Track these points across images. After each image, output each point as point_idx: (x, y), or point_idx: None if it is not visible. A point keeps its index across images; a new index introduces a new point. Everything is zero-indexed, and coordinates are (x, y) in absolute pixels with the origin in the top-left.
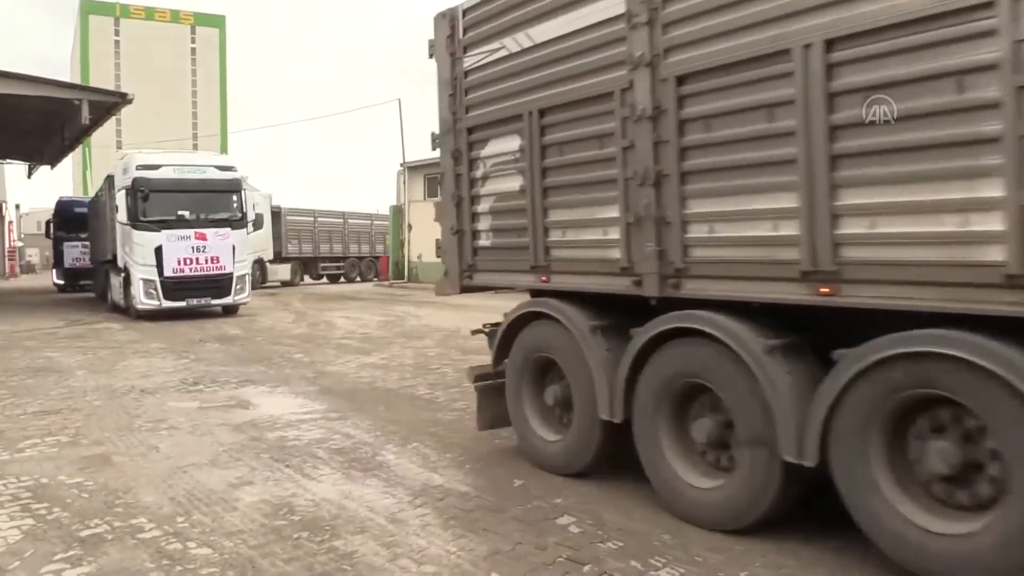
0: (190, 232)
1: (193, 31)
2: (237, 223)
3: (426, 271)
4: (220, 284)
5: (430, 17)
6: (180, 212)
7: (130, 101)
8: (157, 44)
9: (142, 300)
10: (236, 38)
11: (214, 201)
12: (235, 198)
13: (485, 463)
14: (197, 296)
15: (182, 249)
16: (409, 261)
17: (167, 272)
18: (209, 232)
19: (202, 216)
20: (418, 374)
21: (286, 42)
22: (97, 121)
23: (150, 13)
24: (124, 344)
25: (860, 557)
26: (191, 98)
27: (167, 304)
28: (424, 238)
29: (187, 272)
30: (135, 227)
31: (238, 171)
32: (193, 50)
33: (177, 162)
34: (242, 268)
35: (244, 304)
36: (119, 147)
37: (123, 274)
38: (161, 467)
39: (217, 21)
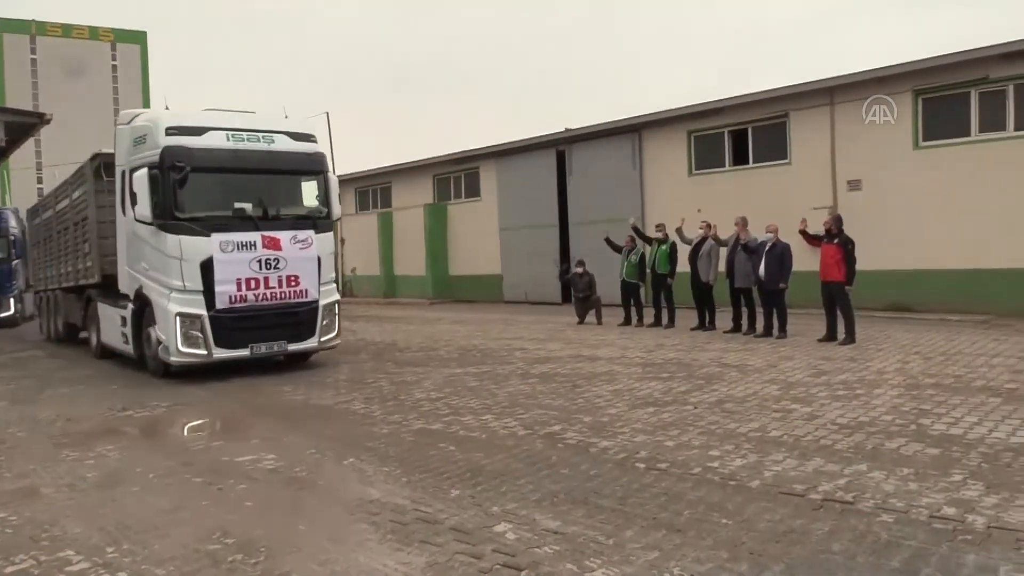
0: (255, 237)
1: (113, 48)
2: (322, 222)
3: (360, 284)
4: (301, 319)
5: (361, 35)
6: (238, 204)
7: (48, 121)
8: (76, 62)
9: (179, 348)
10: (159, 54)
11: (289, 188)
12: (318, 183)
13: (421, 475)
14: (267, 339)
15: (244, 264)
16: (343, 275)
17: (222, 302)
18: (284, 237)
19: (271, 212)
20: (353, 389)
21: (212, 57)
22: (15, 142)
23: (67, 30)
24: (52, 371)
25: (797, 550)
26: (113, 116)
27: (220, 354)
28: (358, 252)
29: (252, 301)
30: (165, 229)
31: (317, 141)
32: (114, 67)
33: (229, 124)
34: (329, 292)
35: (332, 347)
36: (39, 168)
37: (133, 306)
38: (89, 497)
39: (138, 37)
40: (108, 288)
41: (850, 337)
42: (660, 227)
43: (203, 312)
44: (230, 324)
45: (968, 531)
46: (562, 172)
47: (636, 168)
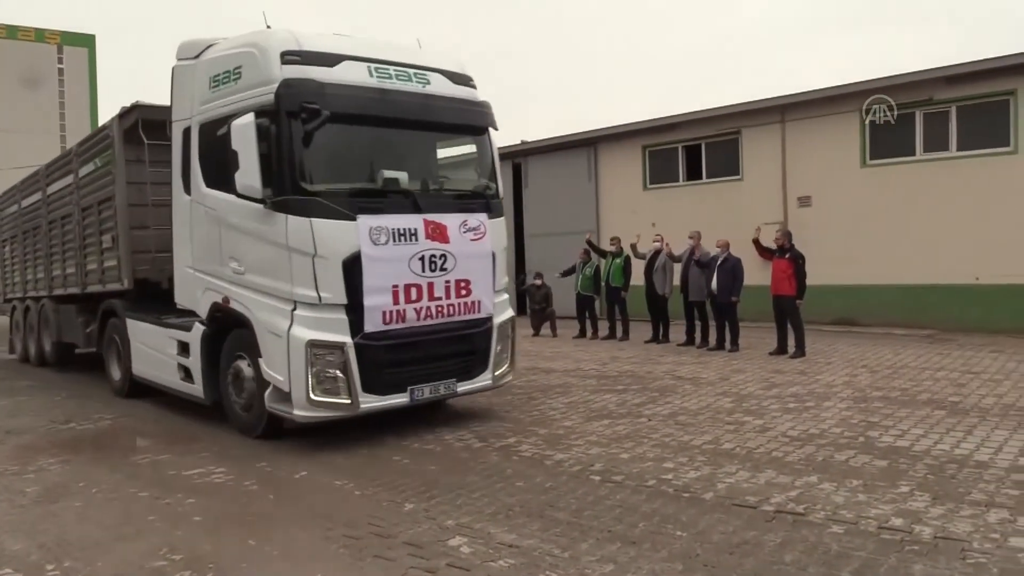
0: (417, 223)
1: (60, 51)
2: (495, 203)
3: None
4: (473, 345)
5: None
6: (388, 173)
7: None
8: (21, 64)
9: (311, 396)
10: (107, 57)
11: (451, 150)
12: (481, 146)
13: (374, 488)
14: (431, 377)
15: (403, 264)
16: None
17: (373, 322)
18: (452, 224)
19: (432, 186)
20: None
21: (161, 60)
22: None
23: (12, 32)
24: None
25: (750, 562)
26: (59, 120)
27: (369, 403)
28: None
29: (413, 320)
30: (286, 209)
31: (477, 86)
32: (60, 70)
33: (369, 53)
34: (504, 306)
35: (505, 384)
36: None
37: (206, 327)
38: (29, 512)
39: (86, 40)
40: (141, 299)
41: (800, 350)
42: (615, 240)
43: (346, 339)
44: (384, 356)
45: (915, 541)
46: (518, 184)
47: (591, 181)
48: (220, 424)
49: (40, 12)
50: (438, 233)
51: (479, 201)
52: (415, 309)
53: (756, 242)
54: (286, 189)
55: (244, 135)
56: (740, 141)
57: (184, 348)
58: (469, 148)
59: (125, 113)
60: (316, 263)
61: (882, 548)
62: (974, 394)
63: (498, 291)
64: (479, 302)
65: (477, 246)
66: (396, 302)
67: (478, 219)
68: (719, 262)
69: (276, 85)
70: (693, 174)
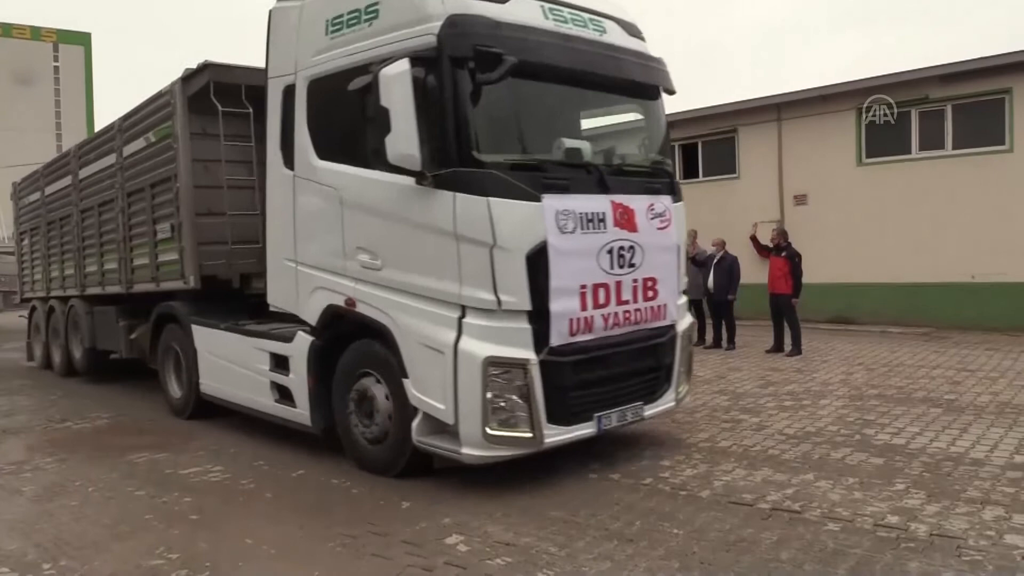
0: (604, 205)
1: (56, 49)
2: (675, 183)
3: None
4: (659, 359)
5: None
6: (570, 143)
7: None
8: (16, 62)
9: (487, 430)
10: (104, 55)
11: (630, 115)
12: (650, 112)
13: (371, 487)
14: (619, 400)
15: (591, 259)
16: None
17: (559, 333)
18: (639, 208)
19: (615, 159)
20: None
21: (157, 58)
22: None
23: (7, 30)
24: None
25: (746, 559)
26: (55, 119)
27: (555, 436)
28: None
29: (601, 329)
30: (454, 184)
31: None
32: (56, 68)
33: None
34: (683, 309)
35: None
36: None
37: (316, 337)
38: (25, 511)
39: (82, 39)
40: (210, 300)
41: (796, 348)
42: None
43: (529, 355)
44: (571, 376)
45: (911, 539)
46: None
47: None
48: (216, 422)
49: (36, 10)
50: (626, 220)
51: (663, 181)
52: (603, 316)
53: (754, 239)
54: (452, 159)
55: (397, 89)
56: (736, 139)
57: (280, 362)
58: (634, 115)
59: (191, 75)
60: (495, 256)
61: (878, 545)
62: (970, 392)
63: (682, 291)
64: (664, 306)
65: (663, 236)
66: (584, 307)
67: (663, 203)
68: (715, 261)
69: (438, 23)
70: (690, 172)
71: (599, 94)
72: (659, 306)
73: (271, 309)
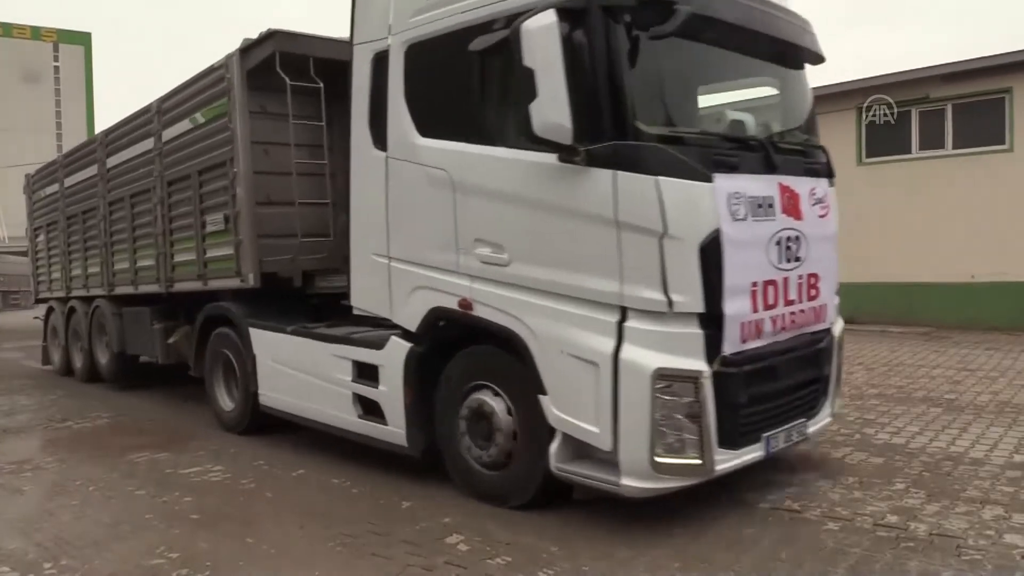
0: (771, 186)
1: (56, 49)
2: (829, 162)
3: None
4: (821, 369)
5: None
6: (734, 115)
7: None
8: (17, 62)
9: (655, 458)
10: (105, 55)
11: (787, 87)
12: (807, 84)
13: (371, 487)
14: (783, 418)
15: (759, 250)
16: None
17: (731, 340)
18: (802, 189)
19: (775, 136)
20: None
21: (159, 59)
22: None
23: (8, 29)
24: None
25: (746, 558)
26: (55, 119)
27: (724, 460)
28: None
29: (769, 333)
30: (614, 163)
31: None
32: (56, 68)
33: None
34: (836, 311)
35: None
36: None
37: (416, 344)
38: (26, 511)
39: (82, 39)
40: (261, 300)
41: None
42: None
43: (702, 366)
44: (744, 391)
45: (911, 538)
46: None
47: None
48: (216, 422)
49: (36, 11)
50: (792, 205)
51: (821, 162)
52: (771, 319)
53: None
54: (608, 131)
55: (544, 45)
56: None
57: (367, 372)
58: (789, 85)
59: (251, 46)
60: (665, 247)
61: (878, 545)
62: (970, 391)
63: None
64: (825, 307)
65: (825, 225)
66: (755, 308)
67: (823, 187)
68: None
69: None
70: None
71: (760, 60)
72: (820, 306)
73: (355, 312)
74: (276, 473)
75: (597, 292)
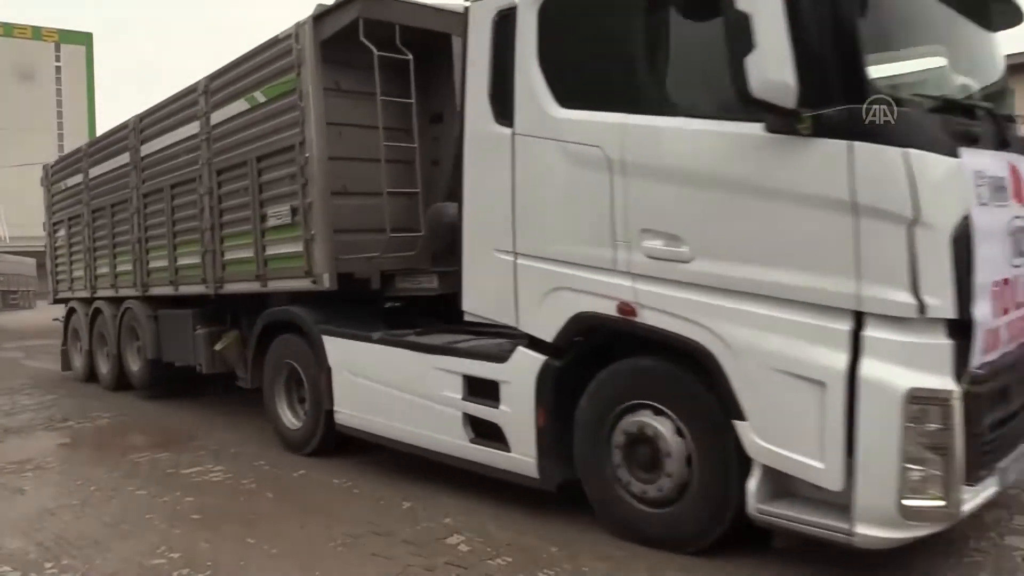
0: (1003, 165)
1: (57, 49)
2: None
3: None
4: None
5: None
6: (960, 79)
7: None
8: (18, 62)
9: (904, 501)
10: (107, 55)
11: (995, 59)
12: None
13: (372, 487)
14: (1013, 443)
15: (999, 247)
16: None
17: (979, 349)
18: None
19: (998, 106)
20: None
21: (162, 59)
22: None
23: (8, 29)
24: None
25: (743, 556)
26: (56, 119)
27: (969, 500)
28: None
29: (1006, 342)
30: (848, 131)
31: None
32: (58, 68)
33: None
34: None
35: None
36: None
37: (555, 358)
38: (27, 510)
39: (83, 39)
40: (335, 304)
41: None
42: None
43: (952, 386)
44: (989, 413)
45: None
46: None
47: None
48: (218, 422)
49: (38, 11)
50: (1019, 189)
51: None
52: (1007, 325)
53: None
54: (837, 93)
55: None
56: None
57: (483, 389)
58: (996, 48)
59: (327, 13)
60: (916, 237)
61: None
62: None
63: None
64: None
65: None
66: (996, 313)
67: None
68: None
69: None
70: None
71: (968, 17)
72: None
73: (467, 318)
74: (277, 473)
75: (822, 293)
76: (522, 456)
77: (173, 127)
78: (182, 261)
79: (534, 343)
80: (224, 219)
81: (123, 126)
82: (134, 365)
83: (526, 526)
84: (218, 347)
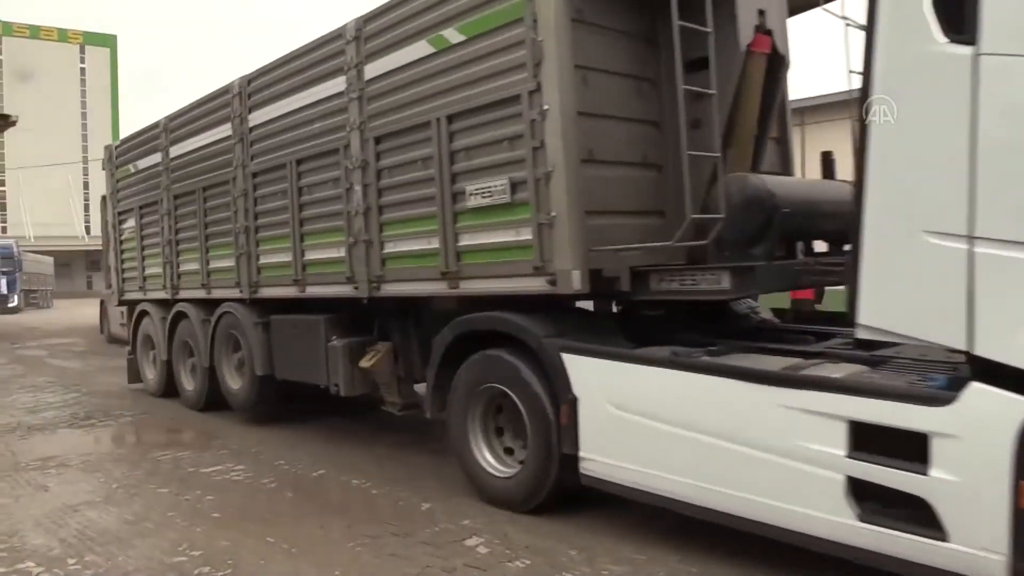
0: None
1: (82, 50)
2: None
3: None
4: None
5: None
6: None
7: (13, 123)
8: (43, 64)
9: None
10: (131, 57)
11: None
12: None
13: (391, 488)
14: None
15: None
16: None
17: None
18: None
19: None
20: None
21: (185, 61)
22: None
23: (35, 31)
24: (8, 379)
25: (762, 563)
26: (80, 120)
27: None
28: None
29: None
30: None
31: None
32: (82, 70)
33: None
34: None
35: None
36: (1, 171)
37: None
38: (50, 507)
39: (108, 40)
40: (551, 311)
41: None
42: None
43: None
44: None
45: None
46: None
47: None
48: (238, 422)
49: (63, 12)
50: None
51: None
52: None
53: None
54: None
55: None
56: None
57: (888, 444)
58: None
59: None
60: None
61: None
62: None
63: None
64: None
65: None
66: None
67: None
68: None
69: None
70: None
71: None
72: None
73: (861, 335)
74: (297, 473)
75: None
76: (973, 551)
77: (302, 87)
78: (312, 255)
79: (1000, 379)
80: (385, 200)
81: (221, 91)
82: (233, 382)
83: (545, 529)
84: (364, 363)
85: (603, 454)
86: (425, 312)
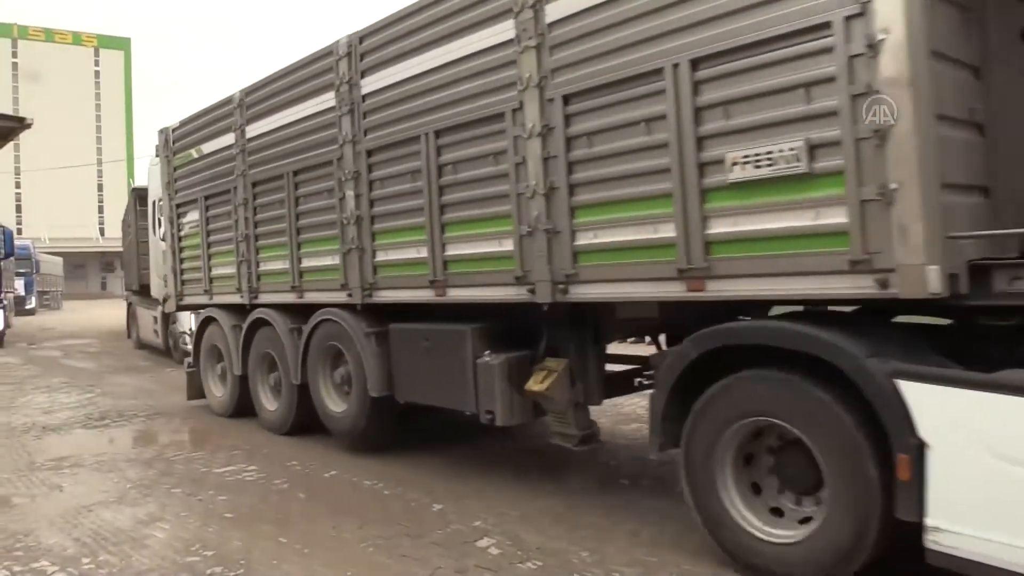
0: None
1: (96, 54)
2: None
3: None
4: None
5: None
6: None
7: (28, 126)
8: (58, 67)
9: None
10: (145, 60)
11: None
12: None
13: (403, 489)
14: None
15: None
16: None
17: None
18: None
19: None
20: None
21: (200, 64)
22: None
23: (50, 35)
24: (24, 379)
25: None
26: (95, 122)
27: None
28: None
29: None
30: None
31: None
32: (97, 73)
33: None
34: None
35: None
36: (17, 173)
37: None
38: (65, 507)
39: (122, 44)
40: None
41: None
42: None
43: None
44: None
45: None
46: None
47: None
48: (251, 423)
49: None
50: None
51: None
52: None
53: None
54: None
55: None
56: None
57: None
58: None
59: None
60: None
61: None
62: None
63: None
64: None
65: None
66: None
67: None
68: None
69: None
70: None
71: None
72: None
73: None
74: (309, 474)
75: None
76: None
77: (439, 40)
78: (453, 251)
79: None
80: (577, 177)
81: (321, 53)
82: (334, 404)
83: (556, 530)
84: (535, 386)
85: (969, 524)
86: (608, 321)
